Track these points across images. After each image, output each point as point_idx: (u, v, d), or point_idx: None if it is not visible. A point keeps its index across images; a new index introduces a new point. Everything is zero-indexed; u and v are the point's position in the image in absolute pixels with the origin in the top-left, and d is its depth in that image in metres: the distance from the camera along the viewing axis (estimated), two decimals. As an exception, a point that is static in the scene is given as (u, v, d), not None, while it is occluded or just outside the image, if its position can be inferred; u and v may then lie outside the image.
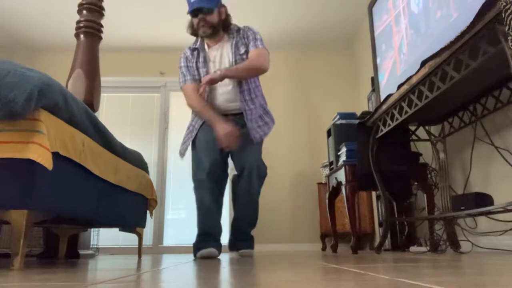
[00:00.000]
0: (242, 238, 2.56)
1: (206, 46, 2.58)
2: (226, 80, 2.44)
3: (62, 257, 2.51)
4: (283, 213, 4.68)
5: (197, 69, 2.54)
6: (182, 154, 2.64)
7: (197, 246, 2.41)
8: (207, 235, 2.43)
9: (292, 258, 2.07)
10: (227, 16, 2.57)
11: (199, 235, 2.46)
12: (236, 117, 2.51)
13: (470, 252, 2.22)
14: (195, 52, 2.58)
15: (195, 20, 2.47)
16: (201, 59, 2.54)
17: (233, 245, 2.58)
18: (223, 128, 2.33)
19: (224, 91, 2.50)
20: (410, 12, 2.47)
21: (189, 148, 2.64)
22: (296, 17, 4.51)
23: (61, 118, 1.58)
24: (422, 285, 0.68)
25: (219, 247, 2.47)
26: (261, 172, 2.54)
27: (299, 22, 4.63)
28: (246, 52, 2.51)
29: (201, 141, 2.54)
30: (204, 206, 2.46)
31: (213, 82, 2.36)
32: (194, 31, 2.55)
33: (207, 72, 2.49)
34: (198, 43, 2.59)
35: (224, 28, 2.56)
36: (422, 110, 2.18)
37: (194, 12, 2.44)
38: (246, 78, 2.47)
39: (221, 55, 2.53)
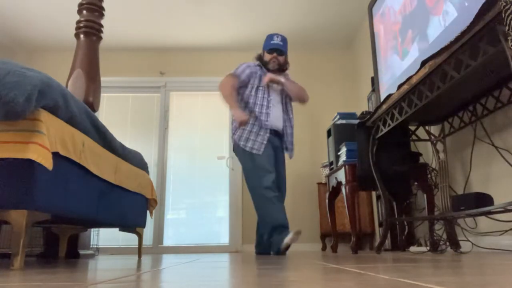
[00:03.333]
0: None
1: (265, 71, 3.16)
2: (278, 104, 3.09)
3: (62, 257, 2.51)
4: (283, 213, 4.67)
5: (260, 79, 3.06)
6: (258, 150, 2.97)
7: (281, 237, 2.66)
8: (285, 226, 2.74)
9: (292, 258, 2.07)
10: (287, 63, 3.23)
11: (278, 227, 2.73)
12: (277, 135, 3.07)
13: (470, 252, 2.22)
14: (259, 67, 3.15)
15: (269, 56, 3.12)
16: (263, 74, 3.11)
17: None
18: (240, 115, 2.85)
19: (277, 112, 3.07)
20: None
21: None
22: (296, 17, 4.51)
23: (61, 118, 1.58)
24: (422, 285, 0.68)
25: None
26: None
27: (299, 22, 4.63)
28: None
29: (265, 154, 2.95)
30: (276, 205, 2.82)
31: (273, 80, 3.00)
32: (261, 62, 3.17)
33: (265, 90, 3.07)
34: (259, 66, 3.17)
35: (282, 68, 3.19)
36: (422, 110, 2.18)
37: (271, 50, 3.11)
38: (294, 95, 3.10)
39: (272, 86, 3.13)
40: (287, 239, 2.59)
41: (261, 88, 3.06)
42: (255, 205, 2.86)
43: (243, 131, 3.00)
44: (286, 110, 3.15)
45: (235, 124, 2.99)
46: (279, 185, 2.99)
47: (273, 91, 3.11)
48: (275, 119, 3.04)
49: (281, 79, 3.03)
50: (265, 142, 2.94)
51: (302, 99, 3.14)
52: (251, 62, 3.19)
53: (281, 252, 2.65)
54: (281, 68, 3.17)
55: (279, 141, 3.08)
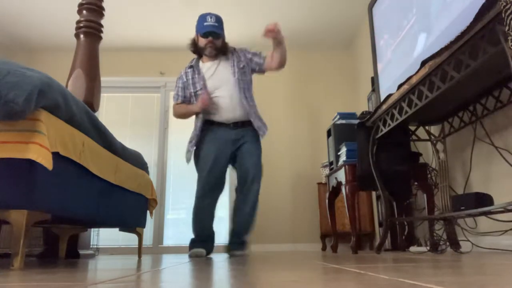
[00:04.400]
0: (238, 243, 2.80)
1: (200, 63, 2.92)
2: (227, 92, 2.78)
3: (62, 257, 2.51)
4: (283, 213, 4.68)
5: (193, 83, 2.85)
6: (188, 160, 2.98)
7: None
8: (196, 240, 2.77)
9: (292, 258, 2.07)
10: (225, 43, 2.92)
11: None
12: (237, 126, 2.81)
13: (470, 252, 2.22)
14: (190, 70, 2.91)
15: (203, 41, 2.81)
16: (196, 74, 2.87)
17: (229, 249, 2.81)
18: (199, 103, 2.72)
19: (227, 102, 2.78)
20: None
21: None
22: (296, 17, 4.51)
23: (61, 118, 1.58)
24: (422, 285, 0.68)
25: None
26: (260, 178, 2.79)
27: (299, 22, 4.62)
28: (246, 66, 2.86)
29: (204, 153, 2.82)
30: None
31: (277, 34, 2.63)
32: (196, 49, 2.89)
33: (204, 86, 2.81)
34: (193, 62, 2.94)
35: (221, 51, 2.90)
36: (422, 110, 2.18)
37: (205, 34, 2.79)
38: (280, 55, 2.75)
39: (215, 69, 2.85)
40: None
41: (198, 93, 2.82)
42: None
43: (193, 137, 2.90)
44: (245, 96, 2.82)
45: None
46: (244, 178, 2.76)
47: (212, 84, 2.81)
48: (225, 110, 2.77)
49: (279, 32, 2.63)
50: (194, 142, 2.86)
51: (284, 61, 2.79)
52: (184, 69, 2.96)
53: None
54: (221, 52, 2.86)
55: (235, 132, 2.79)
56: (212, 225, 2.79)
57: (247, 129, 2.81)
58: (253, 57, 2.89)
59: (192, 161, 2.94)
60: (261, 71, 2.91)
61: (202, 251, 2.63)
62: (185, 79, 2.89)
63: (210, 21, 2.80)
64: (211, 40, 2.79)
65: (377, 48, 3.07)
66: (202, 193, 2.72)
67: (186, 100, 2.89)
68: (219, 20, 2.84)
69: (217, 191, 2.78)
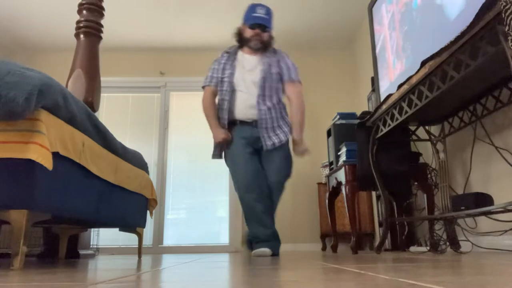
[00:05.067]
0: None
1: (239, 52, 2.79)
2: (250, 91, 2.69)
3: (62, 257, 2.51)
4: (283, 213, 4.68)
5: (223, 69, 2.73)
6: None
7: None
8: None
9: (292, 258, 2.07)
10: (272, 38, 2.79)
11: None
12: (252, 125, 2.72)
13: (470, 252, 2.22)
14: (226, 55, 2.78)
15: (250, 32, 2.70)
16: (230, 62, 2.74)
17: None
18: (216, 135, 2.71)
19: (246, 99, 2.69)
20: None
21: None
22: (296, 17, 4.51)
23: (61, 118, 1.58)
24: (422, 285, 0.68)
25: None
26: (283, 186, 2.79)
27: (299, 23, 4.62)
28: (278, 74, 2.74)
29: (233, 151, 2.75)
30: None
31: (304, 152, 2.85)
32: (240, 39, 2.77)
33: (231, 74, 2.70)
34: (232, 48, 2.82)
35: (267, 46, 2.78)
36: (422, 110, 2.18)
37: (253, 25, 2.68)
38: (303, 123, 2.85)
39: (253, 65, 2.73)
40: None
41: (225, 79, 2.70)
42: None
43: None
44: (264, 99, 2.70)
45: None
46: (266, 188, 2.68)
47: (241, 79, 2.70)
48: (241, 109, 2.68)
49: (304, 146, 2.83)
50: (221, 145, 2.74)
51: (304, 114, 2.86)
52: (221, 52, 2.83)
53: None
54: (265, 47, 2.74)
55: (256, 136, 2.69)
56: (269, 220, 2.63)
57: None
58: (288, 69, 2.76)
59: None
60: (283, 83, 2.80)
61: (264, 250, 2.47)
62: (218, 63, 2.78)
63: (259, 13, 2.67)
64: (258, 32, 2.68)
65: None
66: (244, 189, 2.63)
67: (217, 86, 2.75)
68: (269, 12, 2.72)
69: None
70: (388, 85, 2.79)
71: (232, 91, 2.69)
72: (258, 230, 2.57)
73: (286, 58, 2.79)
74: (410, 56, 2.46)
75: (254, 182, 2.60)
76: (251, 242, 2.66)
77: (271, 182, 2.70)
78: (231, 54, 2.78)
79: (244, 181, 2.62)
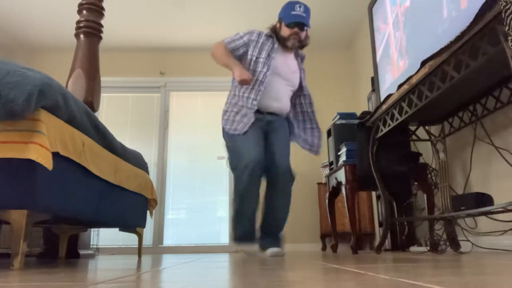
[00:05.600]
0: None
1: (276, 44, 2.64)
2: (285, 89, 2.63)
3: (62, 257, 2.51)
4: (283, 213, 4.67)
5: (260, 50, 2.56)
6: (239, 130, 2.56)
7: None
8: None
9: (292, 258, 2.07)
10: (308, 38, 2.70)
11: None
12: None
13: (470, 252, 2.22)
14: (268, 39, 2.61)
15: (288, 31, 2.56)
16: (270, 46, 2.59)
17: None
18: (240, 72, 2.42)
19: (272, 97, 2.58)
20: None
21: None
22: (296, 17, 4.50)
23: (61, 118, 1.58)
24: (422, 285, 0.68)
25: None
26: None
27: (299, 22, 4.62)
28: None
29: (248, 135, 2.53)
30: None
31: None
32: (277, 36, 2.62)
33: (268, 55, 2.55)
34: (274, 36, 2.65)
35: (303, 45, 2.69)
36: (422, 110, 2.18)
37: (292, 24, 2.55)
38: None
39: (284, 63, 2.64)
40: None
41: (261, 60, 2.54)
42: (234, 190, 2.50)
43: (230, 113, 2.59)
44: (295, 100, 2.72)
45: (226, 107, 2.63)
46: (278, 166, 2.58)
47: (277, 68, 2.58)
48: (271, 99, 2.56)
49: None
50: (250, 122, 2.49)
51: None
52: (258, 30, 2.65)
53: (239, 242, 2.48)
54: (302, 46, 2.67)
55: (280, 121, 2.64)
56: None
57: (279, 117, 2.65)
58: (303, 74, 2.75)
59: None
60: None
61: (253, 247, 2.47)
62: (255, 39, 2.58)
63: (298, 11, 2.54)
64: (296, 31, 2.55)
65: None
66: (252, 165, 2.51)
67: (233, 50, 2.58)
68: (307, 10, 2.58)
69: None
70: (391, 81, 2.78)
71: (267, 75, 2.52)
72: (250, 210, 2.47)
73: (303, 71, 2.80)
74: (411, 59, 2.46)
75: (260, 164, 2.44)
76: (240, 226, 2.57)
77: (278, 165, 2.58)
78: (274, 42, 2.61)
79: (251, 157, 2.41)
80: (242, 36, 2.60)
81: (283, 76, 2.61)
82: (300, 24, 2.55)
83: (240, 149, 2.45)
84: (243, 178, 2.38)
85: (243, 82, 2.40)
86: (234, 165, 2.48)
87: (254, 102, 2.49)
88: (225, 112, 2.63)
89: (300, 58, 2.76)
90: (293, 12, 2.55)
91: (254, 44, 2.57)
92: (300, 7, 2.55)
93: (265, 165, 2.52)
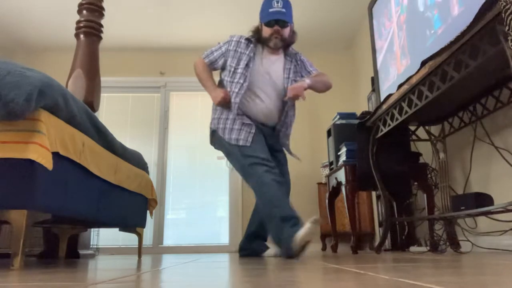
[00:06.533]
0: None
1: (260, 48, 2.51)
2: (268, 100, 2.46)
3: (62, 257, 2.51)
4: (283, 213, 4.67)
5: (239, 58, 2.44)
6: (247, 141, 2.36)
7: (293, 231, 1.99)
8: (295, 217, 2.11)
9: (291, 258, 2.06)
10: (294, 34, 2.53)
11: (286, 219, 2.08)
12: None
13: (470, 252, 2.22)
14: (246, 42, 2.49)
15: (268, 31, 2.42)
16: (248, 52, 2.44)
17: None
18: (216, 94, 2.38)
19: (262, 107, 2.45)
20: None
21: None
22: (296, 17, 4.49)
23: (61, 118, 1.58)
24: (422, 285, 0.68)
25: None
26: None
27: (299, 23, 4.62)
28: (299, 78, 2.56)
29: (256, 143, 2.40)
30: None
31: (300, 93, 2.33)
32: (259, 39, 2.48)
33: (246, 65, 2.40)
34: (255, 38, 2.51)
35: (289, 43, 2.52)
36: (422, 110, 2.18)
37: (270, 23, 2.40)
38: (319, 91, 2.52)
39: (271, 67, 2.47)
40: (302, 233, 1.87)
41: (239, 70, 2.40)
42: (255, 193, 2.25)
43: (224, 120, 2.41)
44: (282, 106, 2.52)
45: (217, 114, 2.49)
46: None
47: (261, 77, 2.43)
48: (258, 112, 2.44)
49: (304, 83, 2.36)
50: (253, 131, 2.34)
51: (326, 90, 2.55)
52: (238, 36, 2.51)
53: (295, 253, 1.92)
54: (287, 44, 2.49)
55: (272, 134, 2.54)
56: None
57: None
58: (306, 64, 2.60)
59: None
60: None
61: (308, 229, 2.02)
62: (232, 48, 2.46)
63: (276, 7, 2.36)
64: (277, 29, 2.38)
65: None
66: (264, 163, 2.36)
67: (212, 67, 2.51)
68: (287, 4, 2.40)
69: None
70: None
71: (244, 87, 2.38)
72: (287, 210, 2.11)
73: (305, 58, 2.63)
74: (413, 60, 2.46)
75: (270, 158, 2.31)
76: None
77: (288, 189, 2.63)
78: (254, 45, 2.47)
79: (261, 156, 2.27)
80: (221, 46, 2.52)
81: (267, 90, 2.45)
82: (280, 21, 2.38)
83: (249, 153, 2.29)
84: (258, 170, 2.19)
85: (220, 104, 2.37)
86: (243, 164, 2.29)
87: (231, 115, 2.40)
88: (217, 119, 2.46)
89: (292, 58, 2.56)
90: (271, 10, 2.38)
91: (232, 54, 2.45)
92: (278, 2, 2.37)
93: None
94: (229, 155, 2.42)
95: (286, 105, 2.51)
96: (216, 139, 2.49)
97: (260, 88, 2.44)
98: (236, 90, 2.38)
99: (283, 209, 2.08)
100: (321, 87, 2.50)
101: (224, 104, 2.38)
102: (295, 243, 1.89)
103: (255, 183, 2.21)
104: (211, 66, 2.52)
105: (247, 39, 2.49)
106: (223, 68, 2.52)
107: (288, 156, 2.69)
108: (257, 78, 2.43)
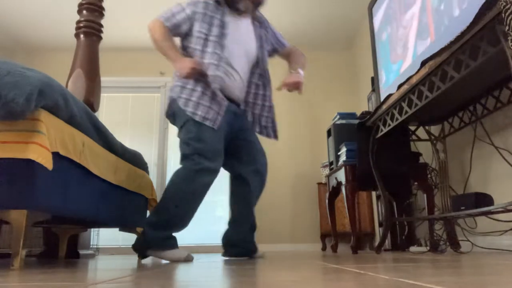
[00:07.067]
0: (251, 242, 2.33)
1: (227, 11, 2.18)
2: (245, 68, 2.19)
3: (62, 257, 2.51)
4: (283, 213, 4.68)
5: (210, 23, 2.10)
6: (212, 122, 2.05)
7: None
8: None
9: (292, 258, 2.07)
10: None
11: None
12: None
13: (470, 252, 2.22)
14: (215, 5, 2.15)
15: None
16: (219, 15, 2.13)
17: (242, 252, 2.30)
18: (185, 63, 1.99)
19: (237, 81, 2.16)
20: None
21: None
22: (296, 17, 4.51)
23: (61, 118, 1.58)
24: (422, 285, 0.68)
25: None
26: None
27: (299, 23, 4.62)
28: (273, 50, 2.38)
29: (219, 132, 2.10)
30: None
31: (299, 88, 2.21)
32: (227, 1, 2.17)
33: (221, 34, 2.08)
34: (221, 1, 2.19)
35: (258, 5, 2.24)
36: (422, 110, 2.18)
37: None
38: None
39: (242, 34, 2.20)
40: (171, 255, 1.96)
41: (211, 37, 2.07)
42: (172, 179, 2.04)
43: (190, 90, 2.05)
44: (258, 82, 2.27)
45: (182, 82, 2.09)
46: (257, 167, 2.28)
47: (236, 46, 2.13)
48: (235, 87, 2.16)
49: (299, 77, 2.22)
50: (221, 113, 2.04)
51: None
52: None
53: (144, 255, 2.08)
54: (257, 5, 2.22)
55: (242, 113, 2.27)
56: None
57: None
58: (279, 39, 2.35)
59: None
60: (277, 53, 2.37)
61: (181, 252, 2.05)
62: (201, 10, 2.11)
63: None
64: None
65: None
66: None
67: (174, 32, 2.14)
68: None
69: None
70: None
71: (222, 58, 2.07)
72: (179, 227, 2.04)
73: (271, 25, 2.37)
74: (413, 58, 2.46)
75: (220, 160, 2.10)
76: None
77: (261, 165, 2.26)
78: (222, 6, 2.15)
79: (211, 151, 2.03)
80: (184, 8, 2.13)
81: (245, 50, 2.17)
82: None
83: (206, 144, 2.02)
84: (197, 179, 2.01)
85: (189, 77, 1.97)
86: (190, 152, 2.02)
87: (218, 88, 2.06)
88: (180, 88, 2.08)
89: (261, 24, 2.30)
90: None
91: (201, 18, 2.09)
92: None
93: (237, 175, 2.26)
94: (183, 129, 2.07)
95: (256, 78, 2.24)
96: (174, 110, 2.09)
97: (235, 59, 2.13)
98: (215, 61, 2.05)
99: (179, 222, 2.03)
100: (305, 65, 2.38)
101: (193, 76, 1.99)
102: (158, 254, 1.97)
103: (184, 175, 2.01)
104: (174, 32, 2.12)
105: (216, 0, 2.16)
106: (187, 34, 2.15)
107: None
108: (231, 47, 2.12)
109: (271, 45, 2.36)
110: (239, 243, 2.30)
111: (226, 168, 2.33)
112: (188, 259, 2.00)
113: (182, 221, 2.06)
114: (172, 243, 2.03)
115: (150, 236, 2.02)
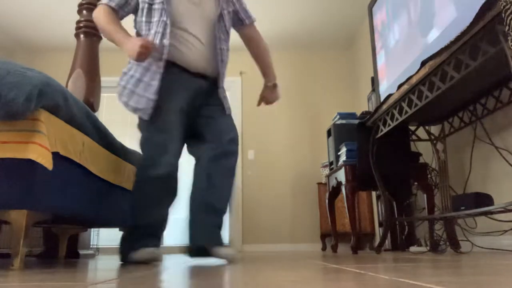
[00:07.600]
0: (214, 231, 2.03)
1: None
2: (201, 33, 1.92)
3: (62, 257, 2.51)
4: (283, 213, 4.68)
5: None
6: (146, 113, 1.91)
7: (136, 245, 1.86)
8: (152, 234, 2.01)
9: (292, 258, 2.07)
10: None
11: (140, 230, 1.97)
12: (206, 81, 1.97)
13: (470, 252, 2.22)
14: None
15: None
16: None
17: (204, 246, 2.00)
18: (134, 44, 1.73)
19: (199, 48, 1.90)
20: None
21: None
22: (296, 17, 4.51)
23: (61, 118, 1.58)
24: (422, 285, 0.68)
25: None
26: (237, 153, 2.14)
27: (299, 22, 4.62)
28: (234, 12, 2.06)
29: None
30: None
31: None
32: None
33: (162, 10, 1.83)
34: None
35: None
36: (422, 110, 2.18)
37: None
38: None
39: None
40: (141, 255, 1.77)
41: (156, 5, 1.83)
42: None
43: (129, 78, 1.86)
44: (215, 42, 1.96)
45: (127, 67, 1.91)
46: (222, 141, 2.06)
47: (187, 7, 1.87)
48: (197, 56, 1.88)
49: (278, 93, 2.15)
50: (152, 97, 1.81)
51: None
52: None
53: (126, 260, 1.83)
54: None
55: (206, 87, 1.97)
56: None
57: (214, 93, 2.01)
58: (243, 6, 2.09)
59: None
60: (241, 27, 2.13)
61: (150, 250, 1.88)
62: None
63: None
64: None
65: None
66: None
67: (125, 11, 1.91)
68: None
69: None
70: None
71: (169, 25, 1.83)
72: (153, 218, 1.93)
73: None
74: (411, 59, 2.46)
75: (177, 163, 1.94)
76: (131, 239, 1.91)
77: (227, 140, 2.03)
78: None
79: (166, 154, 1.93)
80: None
81: (198, 23, 1.90)
82: None
83: (154, 143, 1.89)
84: (151, 187, 1.92)
85: (141, 59, 1.72)
86: (147, 155, 1.94)
87: (164, 57, 1.82)
88: (123, 74, 1.91)
89: None
90: None
91: None
92: None
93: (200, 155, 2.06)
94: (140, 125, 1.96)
95: (222, 43, 1.99)
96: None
97: (190, 24, 1.88)
98: (160, 29, 1.82)
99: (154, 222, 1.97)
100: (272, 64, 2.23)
101: (146, 57, 1.74)
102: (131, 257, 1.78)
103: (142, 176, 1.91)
104: (124, 11, 1.90)
105: None
106: (136, 10, 1.92)
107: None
108: (183, 10, 1.86)
109: (233, 7, 2.05)
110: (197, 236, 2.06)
111: (190, 152, 2.17)
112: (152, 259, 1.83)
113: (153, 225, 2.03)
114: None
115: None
